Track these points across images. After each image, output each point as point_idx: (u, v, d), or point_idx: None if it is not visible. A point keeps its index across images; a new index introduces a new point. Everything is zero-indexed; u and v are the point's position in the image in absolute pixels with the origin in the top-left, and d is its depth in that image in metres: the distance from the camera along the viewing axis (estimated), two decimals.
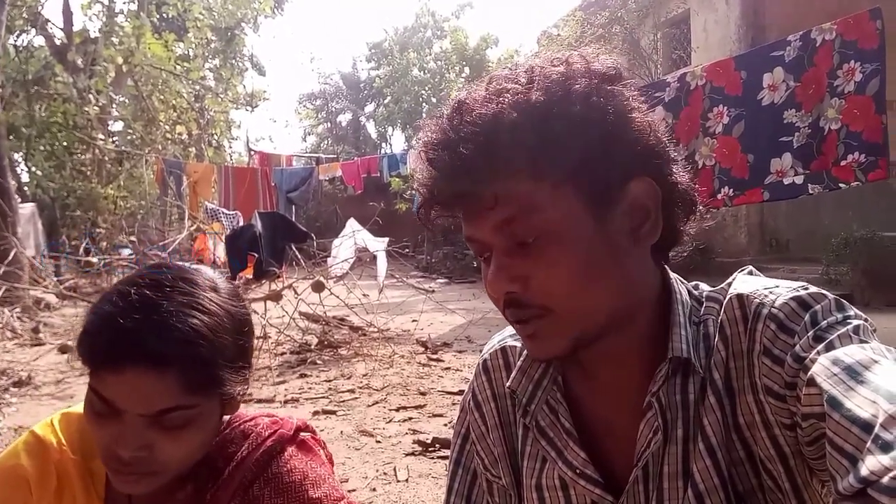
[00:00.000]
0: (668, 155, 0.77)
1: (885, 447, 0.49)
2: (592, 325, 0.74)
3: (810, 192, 4.45)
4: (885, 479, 0.47)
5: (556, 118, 0.69)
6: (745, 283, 0.78)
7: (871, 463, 0.49)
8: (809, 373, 0.62)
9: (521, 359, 0.87)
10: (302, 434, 1.06)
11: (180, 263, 0.97)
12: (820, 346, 0.64)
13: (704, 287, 0.84)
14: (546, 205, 0.70)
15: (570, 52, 0.77)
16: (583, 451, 0.81)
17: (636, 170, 0.73)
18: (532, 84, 0.71)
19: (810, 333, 0.66)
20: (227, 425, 1.03)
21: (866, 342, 0.64)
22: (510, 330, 0.96)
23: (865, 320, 0.68)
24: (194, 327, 0.84)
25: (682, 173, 0.79)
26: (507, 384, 0.87)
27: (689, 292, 0.83)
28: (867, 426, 0.52)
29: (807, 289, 0.72)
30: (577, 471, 0.81)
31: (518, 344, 0.92)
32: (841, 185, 4.31)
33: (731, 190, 4.73)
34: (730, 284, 0.80)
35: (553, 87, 0.71)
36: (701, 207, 0.82)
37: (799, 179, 4.43)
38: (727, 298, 0.77)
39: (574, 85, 0.71)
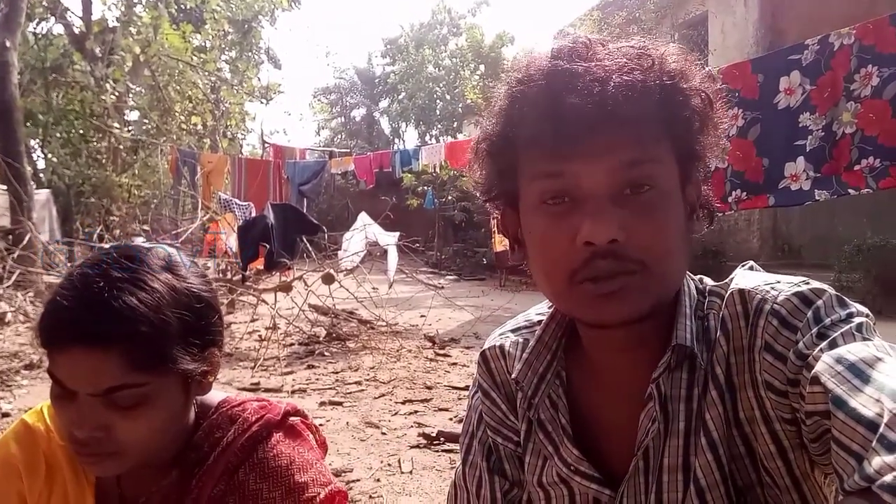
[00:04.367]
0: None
1: (890, 446, 0.49)
2: (671, 291, 0.76)
3: (817, 198, 4.39)
4: (889, 478, 0.47)
5: (688, 86, 0.74)
6: (746, 278, 0.78)
7: (876, 461, 0.49)
8: (813, 371, 0.62)
9: (527, 351, 0.87)
10: (291, 419, 1.04)
11: (137, 243, 0.95)
12: (823, 344, 0.64)
13: (709, 282, 0.84)
14: (665, 160, 0.73)
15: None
16: (576, 449, 0.81)
17: (700, 162, 0.78)
18: (665, 52, 0.75)
19: (814, 331, 0.66)
20: (214, 410, 1.02)
21: (869, 339, 0.64)
22: (511, 324, 0.97)
23: (867, 316, 0.68)
24: (130, 304, 0.83)
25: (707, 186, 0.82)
26: (513, 376, 0.87)
27: (696, 286, 0.83)
28: (872, 425, 0.52)
29: (807, 283, 0.72)
30: (572, 468, 0.81)
31: (520, 339, 0.92)
32: (850, 191, 4.25)
33: (744, 193, 4.70)
34: (732, 279, 0.80)
35: (683, 61, 0.75)
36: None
37: (807, 185, 4.38)
38: (728, 293, 0.77)
39: (696, 66, 0.76)
